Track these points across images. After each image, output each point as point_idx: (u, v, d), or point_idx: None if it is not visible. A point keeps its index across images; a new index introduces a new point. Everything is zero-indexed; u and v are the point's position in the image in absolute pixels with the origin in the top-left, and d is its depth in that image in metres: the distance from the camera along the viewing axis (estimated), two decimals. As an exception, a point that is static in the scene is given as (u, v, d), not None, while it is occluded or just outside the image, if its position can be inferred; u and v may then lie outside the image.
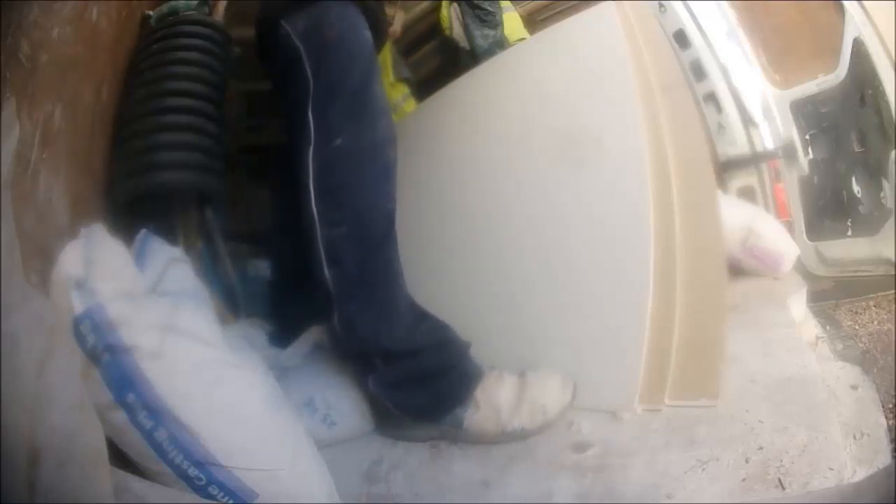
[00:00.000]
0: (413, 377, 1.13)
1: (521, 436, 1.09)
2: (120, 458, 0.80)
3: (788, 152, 1.75)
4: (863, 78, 1.51)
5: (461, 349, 1.15)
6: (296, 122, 1.12)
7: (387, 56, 2.13)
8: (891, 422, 1.07)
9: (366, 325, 1.11)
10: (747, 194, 1.84)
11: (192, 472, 0.81)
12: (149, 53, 1.32)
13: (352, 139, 1.10)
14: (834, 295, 1.61)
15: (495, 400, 1.11)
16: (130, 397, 0.79)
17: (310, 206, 1.10)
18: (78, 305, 0.80)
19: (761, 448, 0.95)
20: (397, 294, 1.14)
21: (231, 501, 0.82)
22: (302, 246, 1.13)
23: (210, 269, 1.40)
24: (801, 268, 1.64)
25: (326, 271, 1.10)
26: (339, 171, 1.10)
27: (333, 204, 1.10)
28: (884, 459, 0.96)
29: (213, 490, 0.82)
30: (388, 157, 1.13)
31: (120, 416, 0.79)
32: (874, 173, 1.53)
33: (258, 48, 1.26)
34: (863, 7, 1.50)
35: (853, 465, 0.92)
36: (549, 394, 1.11)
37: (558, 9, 2.29)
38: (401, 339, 1.11)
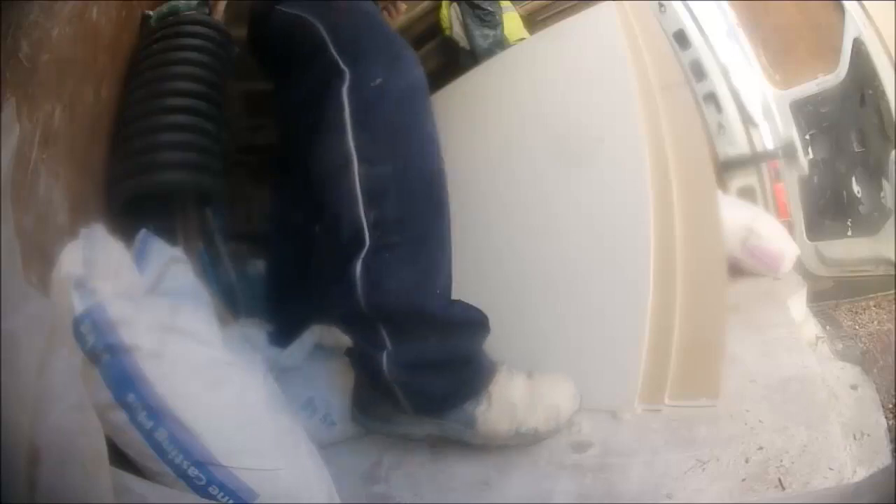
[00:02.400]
0: (434, 358, 1.02)
1: (532, 439, 1.03)
2: (120, 458, 0.80)
3: (788, 152, 1.74)
4: (863, 78, 1.51)
5: (484, 336, 1.07)
6: (313, 65, 1.04)
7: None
8: (891, 422, 1.07)
9: (400, 278, 0.99)
10: (747, 194, 1.84)
11: (192, 471, 0.81)
12: (149, 53, 1.32)
13: (393, 78, 1.03)
14: (834, 295, 1.61)
15: (510, 397, 1.02)
16: (130, 397, 0.79)
17: (343, 143, 0.99)
18: (78, 305, 0.80)
19: (761, 448, 0.95)
20: (443, 254, 1.04)
21: (231, 501, 0.82)
22: (301, 243, 1.10)
23: (210, 270, 1.40)
24: (801, 268, 1.64)
25: (362, 210, 0.98)
26: (385, 109, 1.01)
27: (377, 141, 1.00)
28: (884, 459, 0.96)
29: (213, 490, 0.82)
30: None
31: (120, 416, 0.79)
32: (874, 173, 1.53)
33: (253, 21, 1.21)
34: (863, 7, 1.50)
35: (853, 465, 0.92)
36: (563, 397, 1.06)
37: (558, 9, 2.29)
38: (439, 304, 1.01)
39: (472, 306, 1.06)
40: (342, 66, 1.01)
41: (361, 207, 0.98)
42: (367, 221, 0.98)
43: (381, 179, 0.99)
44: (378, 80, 1.01)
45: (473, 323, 1.06)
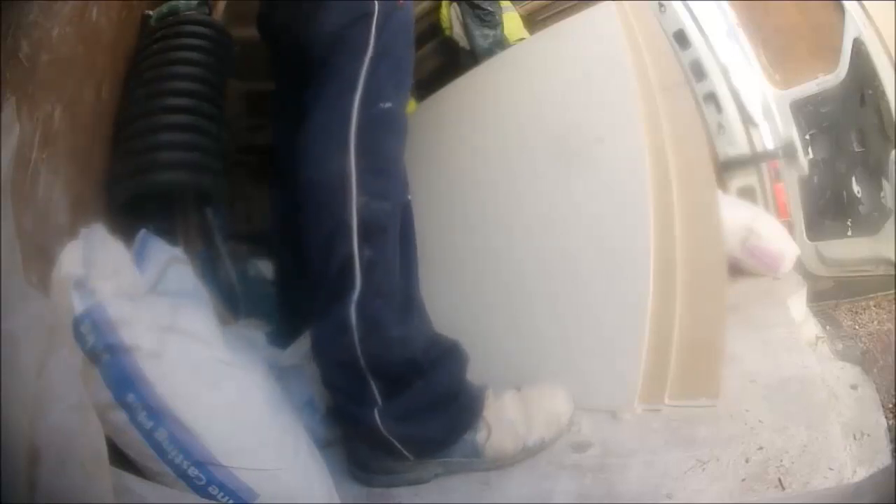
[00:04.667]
0: (425, 402, 1.00)
1: (540, 448, 1.03)
2: (120, 458, 0.80)
3: (788, 152, 1.74)
4: (863, 78, 1.51)
5: (465, 363, 1.06)
6: (334, 76, 1.00)
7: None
8: (891, 422, 1.07)
9: (397, 329, 0.97)
10: (747, 194, 1.84)
11: (192, 471, 0.81)
12: (149, 53, 1.32)
13: (399, 108, 1.01)
14: (834, 295, 1.61)
15: (506, 417, 1.03)
16: (130, 397, 0.79)
17: (343, 159, 0.94)
18: (78, 305, 0.80)
19: (761, 448, 0.95)
20: (419, 295, 1.04)
21: (231, 501, 0.82)
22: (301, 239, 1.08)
23: (210, 270, 1.40)
24: (801, 268, 1.64)
25: (356, 246, 0.94)
26: (391, 140, 1.00)
27: (379, 172, 0.97)
28: (884, 459, 0.96)
29: (213, 490, 0.82)
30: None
31: (120, 416, 0.79)
32: (874, 173, 1.52)
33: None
34: (863, 7, 1.50)
35: (853, 465, 0.92)
36: (557, 401, 1.07)
37: (558, 9, 2.28)
38: (422, 349, 1.00)
39: (445, 338, 1.05)
40: (360, 81, 0.97)
41: (356, 242, 0.94)
42: (360, 260, 0.94)
43: (379, 216, 0.96)
44: (388, 104, 0.99)
45: (452, 355, 1.05)
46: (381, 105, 0.98)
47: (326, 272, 0.97)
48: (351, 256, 0.94)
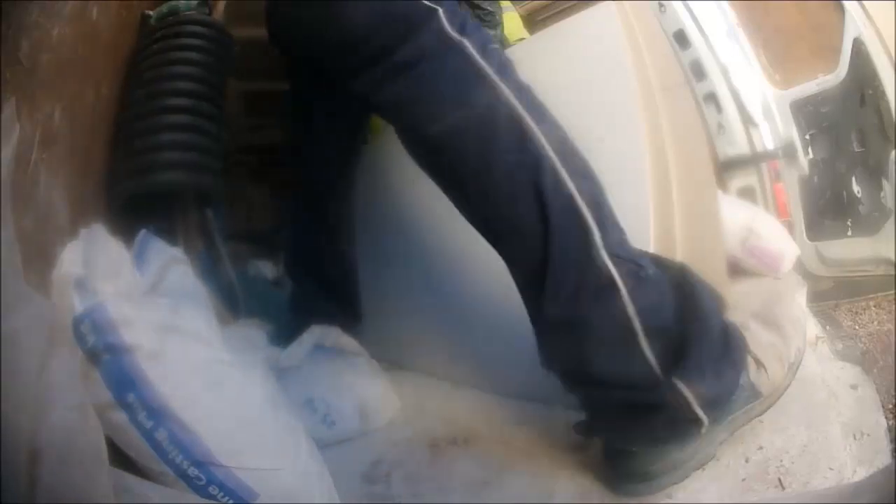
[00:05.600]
0: (715, 351, 0.84)
1: (799, 361, 0.94)
2: (120, 458, 0.80)
3: (788, 152, 1.75)
4: (863, 78, 1.51)
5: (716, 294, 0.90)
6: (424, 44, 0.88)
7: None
8: (891, 422, 1.07)
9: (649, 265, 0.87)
10: (747, 194, 1.84)
11: (192, 471, 0.81)
12: (149, 53, 1.32)
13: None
14: (834, 295, 1.61)
15: (763, 340, 0.92)
16: (130, 397, 0.79)
17: (492, 92, 0.87)
18: (78, 305, 0.79)
19: (761, 448, 0.95)
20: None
21: (231, 501, 0.82)
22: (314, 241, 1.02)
23: (210, 270, 1.40)
24: (801, 268, 1.64)
25: (602, 247, 0.81)
26: (512, 69, 0.94)
27: (531, 101, 0.91)
28: (884, 459, 0.96)
29: (213, 490, 0.81)
30: None
31: (120, 416, 0.79)
32: (874, 173, 1.53)
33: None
34: (863, 7, 1.50)
35: (853, 465, 0.92)
36: (796, 307, 0.98)
37: (558, 9, 2.29)
38: (675, 288, 0.87)
39: (679, 267, 0.90)
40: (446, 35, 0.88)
41: (564, 174, 0.83)
42: (612, 259, 0.81)
43: (593, 195, 0.85)
44: (495, 45, 0.92)
45: (703, 289, 0.87)
46: (491, 46, 0.91)
47: (580, 284, 0.82)
48: (604, 262, 0.81)
